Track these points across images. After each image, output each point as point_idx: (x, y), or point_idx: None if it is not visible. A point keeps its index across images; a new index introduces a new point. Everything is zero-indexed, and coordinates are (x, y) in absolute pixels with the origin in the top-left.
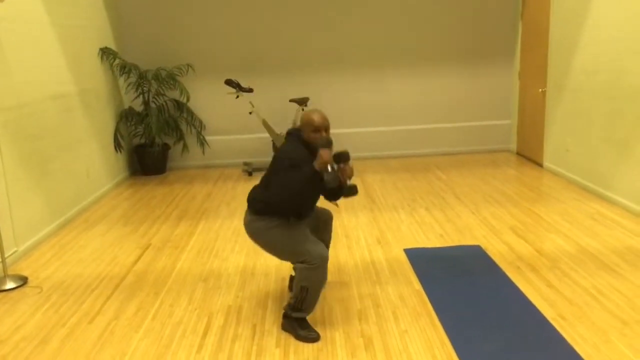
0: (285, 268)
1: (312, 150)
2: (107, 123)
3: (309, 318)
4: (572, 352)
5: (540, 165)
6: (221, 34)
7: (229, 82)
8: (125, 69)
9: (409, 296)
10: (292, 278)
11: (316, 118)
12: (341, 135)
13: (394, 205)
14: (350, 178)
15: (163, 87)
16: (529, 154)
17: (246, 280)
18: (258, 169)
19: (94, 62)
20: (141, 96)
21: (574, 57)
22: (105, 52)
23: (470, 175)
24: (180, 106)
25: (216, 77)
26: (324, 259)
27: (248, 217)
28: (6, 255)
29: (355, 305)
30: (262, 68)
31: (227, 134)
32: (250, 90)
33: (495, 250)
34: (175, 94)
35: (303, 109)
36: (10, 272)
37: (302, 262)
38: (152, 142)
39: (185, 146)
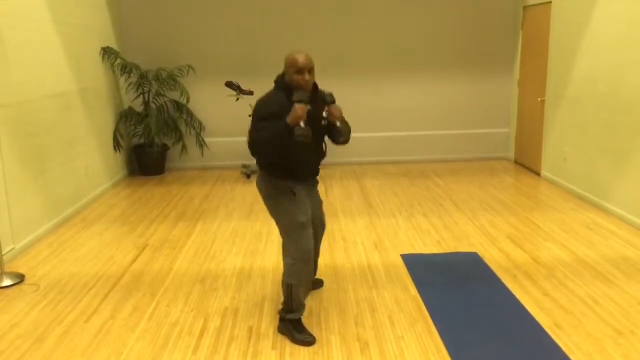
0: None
1: (291, 97)
2: (107, 122)
3: (304, 321)
4: None
5: (537, 173)
6: (222, 35)
7: (229, 85)
8: (126, 68)
9: (405, 301)
10: None
11: (300, 58)
12: None
13: (391, 211)
14: (339, 119)
15: (163, 88)
16: (526, 162)
17: (243, 282)
18: (256, 172)
19: (95, 61)
20: (141, 96)
21: (574, 67)
22: (106, 52)
23: (468, 182)
24: (179, 107)
25: (216, 79)
26: (306, 257)
27: (258, 172)
28: (3, 253)
29: (351, 309)
30: (263, 70)
31: (226, 135)
32: (250, 93)
33: (492, 257)
34: (175, 95)
35: None
36: (7, 269)
37: (286, 255)
38: (151, 142)
39: (184, 147)
